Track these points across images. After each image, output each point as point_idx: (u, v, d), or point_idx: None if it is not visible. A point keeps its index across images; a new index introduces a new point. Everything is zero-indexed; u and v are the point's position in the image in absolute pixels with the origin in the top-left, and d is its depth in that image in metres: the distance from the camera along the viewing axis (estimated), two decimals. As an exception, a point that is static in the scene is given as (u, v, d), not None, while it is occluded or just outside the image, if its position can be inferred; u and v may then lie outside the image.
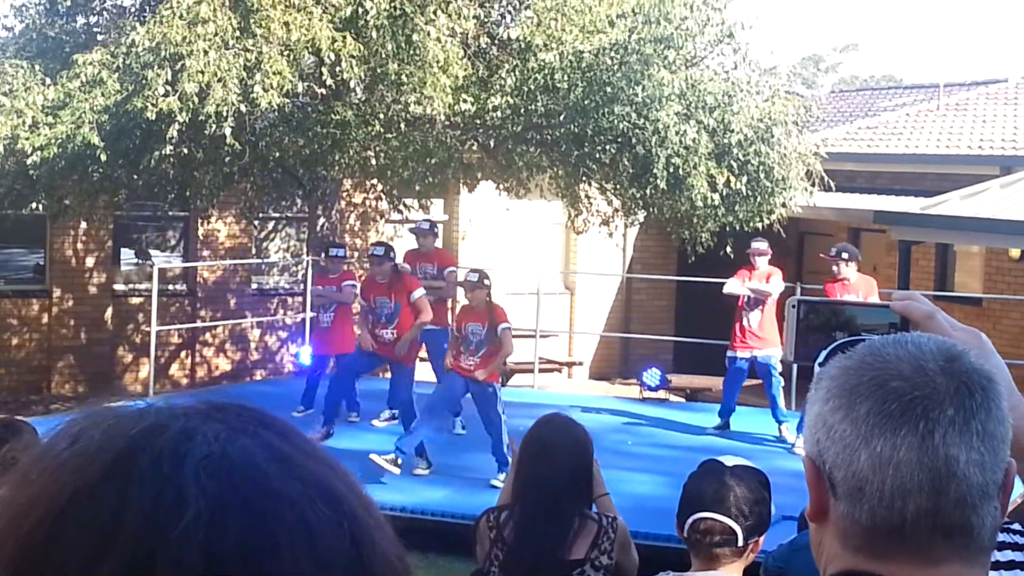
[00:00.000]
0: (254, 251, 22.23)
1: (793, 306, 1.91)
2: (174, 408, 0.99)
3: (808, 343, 1.88)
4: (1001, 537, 1.85)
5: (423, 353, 14.83)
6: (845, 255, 13.80)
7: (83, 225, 20.21)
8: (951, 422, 1.48)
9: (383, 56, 15.08)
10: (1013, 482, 1.55)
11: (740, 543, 4.04)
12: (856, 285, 13.59)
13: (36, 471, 0.95)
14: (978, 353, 1.60)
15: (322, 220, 18.45)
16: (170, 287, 21.29)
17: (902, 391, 1.50)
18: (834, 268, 13.78)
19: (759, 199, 16.85)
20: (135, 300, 21.23)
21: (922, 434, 1.48)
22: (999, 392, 1.53)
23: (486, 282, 12.33)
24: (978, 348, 1.71)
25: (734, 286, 14.48)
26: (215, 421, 0.97)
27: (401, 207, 20.45)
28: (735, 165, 16.40)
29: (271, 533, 0.91)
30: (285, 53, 14.76)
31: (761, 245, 14.62)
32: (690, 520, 4.09)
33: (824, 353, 1.68)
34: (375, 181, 19.65)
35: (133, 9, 17.80)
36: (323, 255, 15.79)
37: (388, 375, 14.81)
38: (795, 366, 14.76)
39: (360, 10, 14.85)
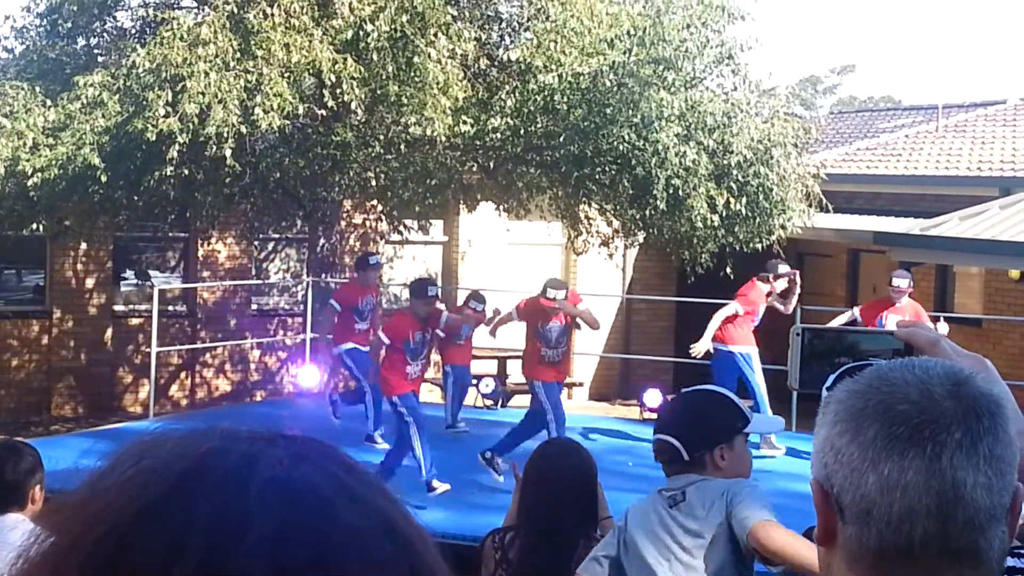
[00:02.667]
0: (254, 272, 22.25)
1: (797, 334, 1.92)
2: (239, 432, 1.00)
3: (812, 370, 1.89)
4: (1010, 562, 1.85)
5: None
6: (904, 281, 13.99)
7: (83, 246, 20.23)
8: (958, 445, 1.48)
9: (383, 78, 15.11)
10: (1021, 506, 1.55)
11: (686, 456, 4.31)
12: (905, 308, 13.74)
13: (101, 487, 0.96)
14: (985, 377, 1.60)
15: (322, 241, 18.46)
16: (170, 308, 21.30)
17: (909, 414, 1.50)
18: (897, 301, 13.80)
19: (759, 220, 16.86)
20: (135, 321, 21.23)
21: (929, 457, 1.48)
22: (1006, 417, 1.54)
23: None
24: (983, 375, 1.70)
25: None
26: (279, 447, 0.98)
27: (401, 228, 20.47)
28: (735, 186, 16.41)
29: (336, 560, 0.92)
30: (286, 75, 14.80)
31: (903, 282, 14.03)
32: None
33: (832, 377, 1.69)
34: (375, 202, 19.69)
35: (134, 31, 17.83)
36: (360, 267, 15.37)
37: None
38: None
39: (361, 32, 14.88)
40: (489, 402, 18.37)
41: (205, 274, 21.54)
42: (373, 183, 17.59)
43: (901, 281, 14.02)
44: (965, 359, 1.78)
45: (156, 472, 0.95)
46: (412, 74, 15.12)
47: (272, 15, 14.82)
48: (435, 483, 12.19)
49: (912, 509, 1.49)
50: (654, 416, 17.26)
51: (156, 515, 0.91)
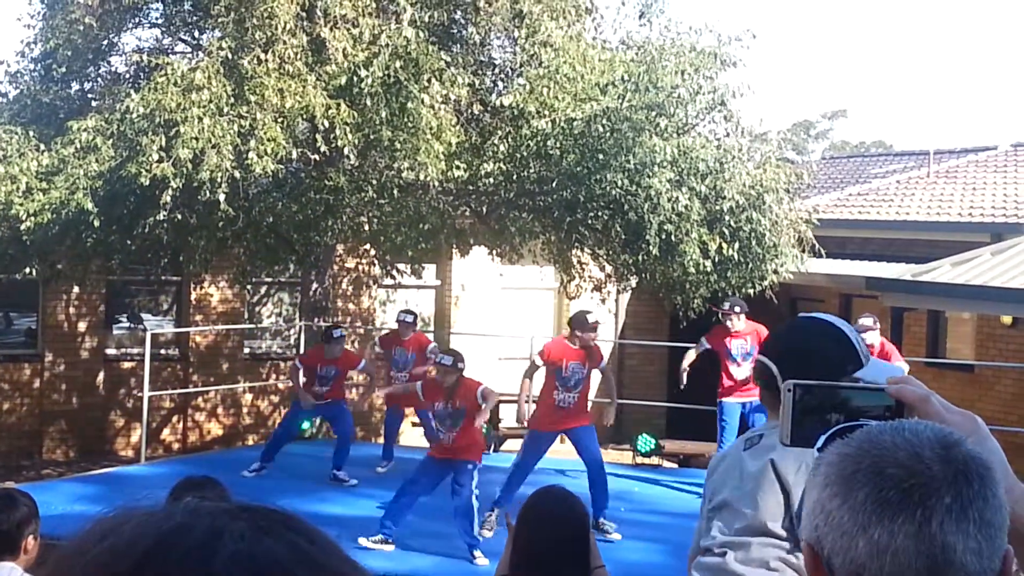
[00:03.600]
0: (247, 316, 22.24)
1: (789, 389, 1.91)
2: (201, 508, 1.01)
3: (804, 425, 1.88)
4: None
5: None
6: (737, 308, 14.30)
7: (76, 289, 20.23)
8: (948, 510, 1.49)
9: (377, 123, 15.16)
10: (1012, 569, 1.55)
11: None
12: (745, 331, 14.17)
13: (67, 566, 0.97)
14: (975, 440, 1.62)
15: (315, 285, 18.47)
16: (163, 352, 21.27)
17: (899, 478, 1.50)
18: (728, 322, 14.20)
19: (751, 265, 16.88)
20: (127, 364, 21.21)
21: (919, 522, 1.48)
22: (996, 480, 1.54)
23: (460, 365, 11.98)
24: (973, 431, 1.73)
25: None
26: (241, 521, 0.99)
27: (394, 272, 20.49)
28: (727, 231, 16.43)
29: None
30: (279, 120, 14.86)
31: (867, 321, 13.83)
32: None
33: (823, 438, 1.68)
34: (368, 246, 19.71)
35: (128, 76, 17.90)
36: (325, 336, 15.46)
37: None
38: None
39: (354, 78, 14.94)
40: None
41: (198, 318, 21.53)
42: (366, 227, 17.62)
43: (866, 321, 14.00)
44: (956, 415, 1.79)
45: (120, 551, 0.96)
46: (405, 119, 15.17)
47: (266, 61, 14.88)
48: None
49: (902, 573, 1.49)
50: (646, 461, 17.30)
51: None
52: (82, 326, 20.90)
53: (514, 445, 18.58)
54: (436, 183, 15.78)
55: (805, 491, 1.63)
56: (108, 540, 0.97)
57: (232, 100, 14.82)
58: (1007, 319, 18.59)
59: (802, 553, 1.60)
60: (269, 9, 14.74)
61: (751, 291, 17.18)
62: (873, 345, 13.60)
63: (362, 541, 11.89)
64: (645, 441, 18.06)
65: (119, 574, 0.94)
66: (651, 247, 16.00)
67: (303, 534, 1.02)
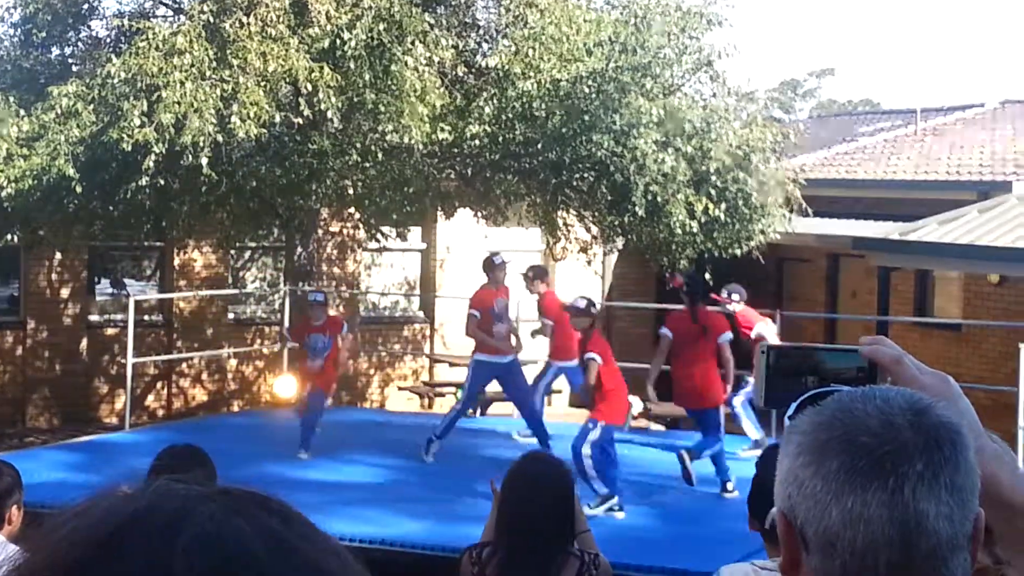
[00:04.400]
0: (231, 281, 22.15)
1: (763, 351, 1.92)
2: (173, 489, 1.02)
3: (778, 388, 1.89)
4: None
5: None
6: (736, 296, 14.39)
7: (58, 256, 20.12)
8: (920, 477, 1.50)
9: (360, 86, 15.07)
10: (982, 532, 1.57)
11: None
12: (745, 314, 14.29)
13: (41, 542, 0.99)
14: (946, 404, 1.62)
15: (299, 249, 18.38)
16: (146, 318, 21.16)
17: (871, 447, 1.52)
18: (728, 307, 14.22)
19: (738, 226, 16.85)
20: (111, 331, 21.12)
21: (892, 489, 1.50)
22: (967, 445, 1.56)
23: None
24: (946, 392, 1.75)
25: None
26: (212, 502, 1.00)
27: (379, 235, 20.41)
28: (713, 192, 16.39)
29: None
30: (262, 83, 14.75)
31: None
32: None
33: (794, 406, 1.68)
34: (352, 210, 19.61)
35: (108, 40, 17.76)
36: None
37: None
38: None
39: (338, 41, 14.84)
40: (468, 410, 18.26)
41: (181, 283, 21.44)
42: (350, 191, 17.52)
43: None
44: (928, 376, 1.80)
45: (85, 532, 0.97)
46: (389, 82, 15.08)
47: (248, 24, 14.76)
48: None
49: (875, 541, 1.51)
50: (634, 424, 17.27)
51: (82, 573, 0.95)
52: (65, 293, 20.79)
53: (504, 408, 18.57)
54: (421, 146, 15.69)
55: (778, 460, 1.60)
56: (76, 520, 0.99)
57: (214, 64, 14.72)
58: (994, 278, 18.59)
59: (776, 521, 1.61)
60: (251, -29, 14.63)
61: (738, 251, 17.15)
62: (736, 312, 14.09)
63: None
64: (633, 403, 18.00)
65: (82, 556, 0.95)
66: (637, 208, 15.95)
67: (278, 515, 1.02)
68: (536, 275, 14.83)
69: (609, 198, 16.87)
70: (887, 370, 1.81)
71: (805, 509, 1.54)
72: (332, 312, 15.79)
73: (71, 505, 1.02)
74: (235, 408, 21.26)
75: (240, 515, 0.99)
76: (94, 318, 21.25)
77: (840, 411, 1.56)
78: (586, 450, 11.88)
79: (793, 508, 1.56)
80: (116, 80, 14.58)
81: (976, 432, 1.67)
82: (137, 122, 14.18)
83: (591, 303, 12.47)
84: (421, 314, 23.44)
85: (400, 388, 22.65)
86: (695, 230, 16.34)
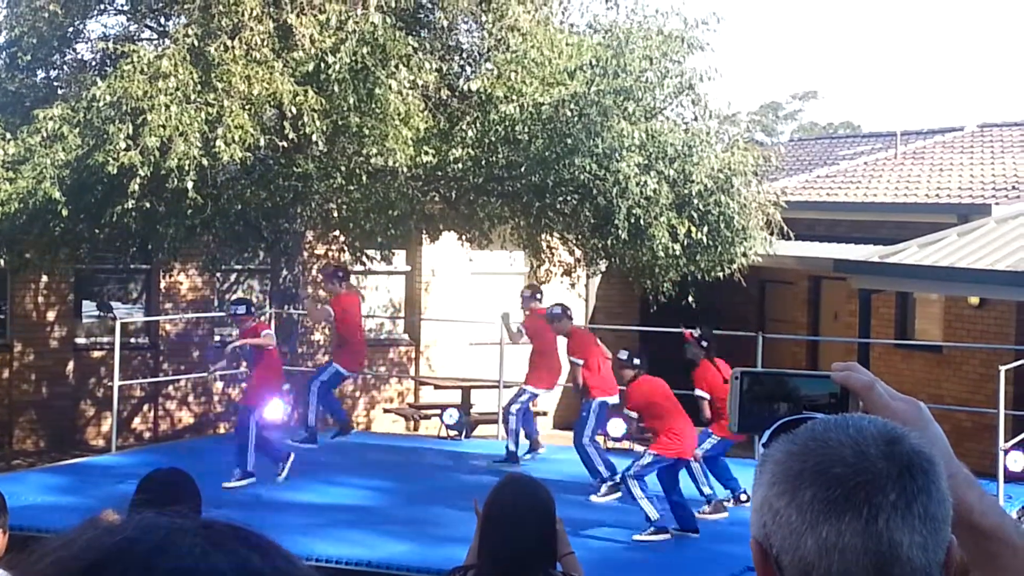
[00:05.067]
0: (217, 303, 22.17)
1: (736, 377, 1.92)
2: (156, 522, 1.02)
3: (752, 414, 1.89)
4: None
5: None
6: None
7: (44, 278, 20.13)
8: (893, 507, 1.51)
9: (345, 109, 15.15)
10: (956, 559, 1.58)
11: None
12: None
13: (26, 571, 0.99)
14: (918, 433, 1.63)
15: (284, 272, 18.42)
16: (132, 340, 21.19)
17: (845, 477, 1.52)
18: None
19: (720, 249, 16.94)
20: (97, 353, 21.13)
21: (866, 519, 1.50)
22: (939, 473, 1.57)
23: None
24: (917, 418, 1.75)
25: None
26: (194, 536, 1.00)
27: (364, 258, 20.47)
28: (696, 215, 16.49)
29: None
30: (247, 107, 14.81)
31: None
32: None
33: (767, 434, 1.69)
34: (337, 233, 19.67)
35: (94, 63, 17.81)
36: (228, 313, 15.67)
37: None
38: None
39: (322, 64, 14.92)
40: (454, 432, 18.34)
41: (167, 306, 21.47)
42: (335, 214, 17.60)
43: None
44: (899, 402, 1.80)
45: (64, 565, 0.98)
46: (373, 105, 15.16)
47: (233, 47, 14.83)
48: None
49: (850, 571, 1.51)
50: (618, 446, 17.34)
51: None
52: (51, 315, 20.81)
53: (488, 431, 18.64)
54: (405, 169, 15.77)
55: (752, 488, 1.64)
56: (58, 553, 1.00)
57: (199, 87, 14.78)
58: (974, 300, 18.70)
59: (751, 549, 1.62)
60: (235, -4, 14.71)
61: (721, 274, 17.25)
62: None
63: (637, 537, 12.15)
64: (616, 426, 18.06)
65: None
66: (620, 231, 16.03)
67: (258, 551, 1.02)
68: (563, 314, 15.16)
69: (592, 221, 16.96)
70: (859, 396, 1.81)
71: (780, 538, 1.55)
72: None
73: (58, 534, 1.03)
74: (221, 430, 21.25)
75: (220, 550, 1.00)
76: (80, 341, 21.26)
77: (813, 440, 1.57)
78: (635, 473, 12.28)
79: (768, 536, 1.57)
80: (101, 103, 14.61)
81: (948, 458, 1.68)
82: (123, 145, 14.22)
83: (565, 307, 13.74)
84: (406, 336, 23.49)
85: (386, 410, 22.71)
86: (678, 253, 16.42)
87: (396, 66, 15.14)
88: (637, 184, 15.75)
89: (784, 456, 1.58)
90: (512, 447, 15.44)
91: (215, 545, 1.00)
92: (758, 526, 1.59)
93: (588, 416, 14.25)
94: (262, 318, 14.25)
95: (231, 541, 1.01)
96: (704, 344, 13.18)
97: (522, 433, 15.60)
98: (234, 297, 16.62)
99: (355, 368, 16.14)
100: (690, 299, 17.26)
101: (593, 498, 13.87)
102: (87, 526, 1.03)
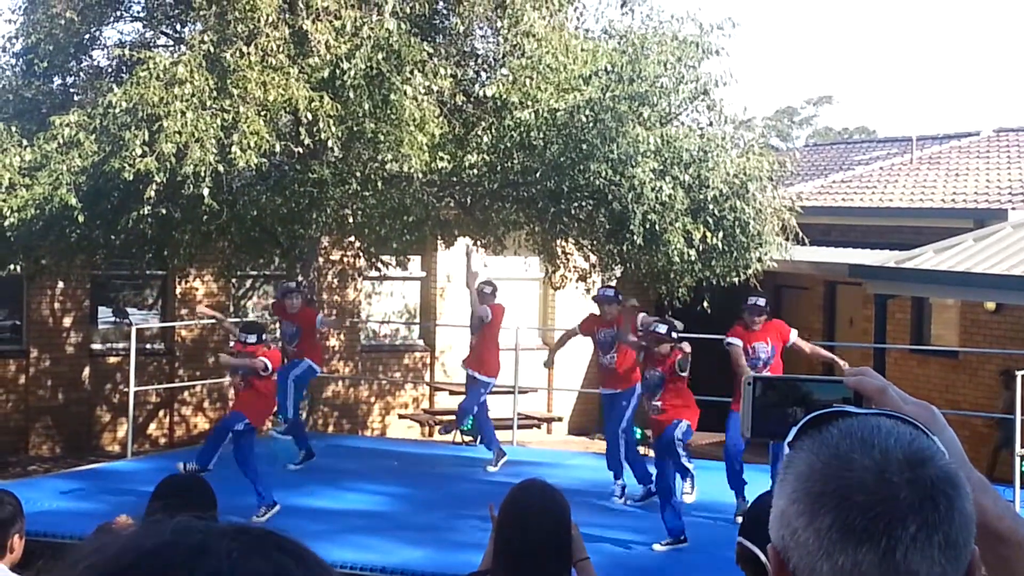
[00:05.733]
0: (232, 309, 22.21)
1: (749, 383, 1.93)
2: (192, 525, 1.03)
3: (765, 419, 1.90)
4: None
5: None
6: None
7: (60, 285, 20.19)
8: (913, 539, 1.50)
9: (360, 115, 15.16)
10: (977, 573, 1.56)
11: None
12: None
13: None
14: (944, 452, 1.60)
15: (300, 278, 18.44)
16: (148, 346, 21.25)
17: (865, 506, 1.51)
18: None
19: (735, 254, 16.91)
20: (113, 359, 21.18)
21: (884, 551, 1.49)
22: (964, 495, 1.55)
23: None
24: (930, 422, 1.72)
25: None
26: (230, 540, 1.00)
27: (379, 264, 20.49)
28: (711, 220, 16.46)
29: None
30: (262, 113, 14.84)
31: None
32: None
33: (794, 431, 1.66)
34: (353, 238, 19.69)
35: (110, 70, 17.85)
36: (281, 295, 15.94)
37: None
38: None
39: (337, 70, 14.94)
40: (468, 438, 18.37)
41: (183, 312, 21.51)
42: (350, 220, 17.61)
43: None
44: (912, 406, 1.78)
45: (102, 568, 0.98)
46: (388, 111, 15.18)
47: (249, 54, 14.87)
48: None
49: None
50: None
51: None
52: (67, 321, 20.87)
53: (504, 436, 18.64)
54: (420, 175, 15.78)
55: (774, 492, 1.63)
56: (92, 558, 0.99)
57: (215, 94, 14.80)
58: (990, 305, 18.66)
59: (768, 553, 1.61)
60: (251, 2, 14.72)
61: (736, 280, 17.23)
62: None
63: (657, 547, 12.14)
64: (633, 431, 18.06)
65: None
66: (635, 237, 16.02)
67: (293, 555, 1.02)
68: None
69: (607, 226, 16.94)
70: (872, 400, 1.80)
71: (798, 557, 1.54)
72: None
73: (82, 541, 1.03)
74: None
75: (257, 554, 1.00)
76: (96, 346, 21.31)
77: (837, 459, 1.55)
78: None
79: (786, 549, 1.56)
80: (117, 110, 14.64)
81: (961, 461, 1.66)
82: (139, 152, 14.25)
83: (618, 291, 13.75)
84: (421, 342, 23.51)
85: (401, 416, 22.72)
86: (693, 258, 16.40)
87: (411, 72, 15.16)
88: (652, 189, 15.74)
89: (807, 471, 1.57)
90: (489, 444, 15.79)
91: (252, 550, 1.00)
92: (776, 535, 1.59)
93: (629, 405, 14.16)
94: (271, 346, 14.10)
95: (267, 546, 1.02)
96: (674, 335, 12.97)
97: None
98: (245, 321, 16.56)
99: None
100: (705, 304, 17.24)
101: (617, 500, 14.03)
102: (101, 533, 1.02)
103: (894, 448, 1.55)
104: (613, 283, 15.46)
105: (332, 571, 1.06)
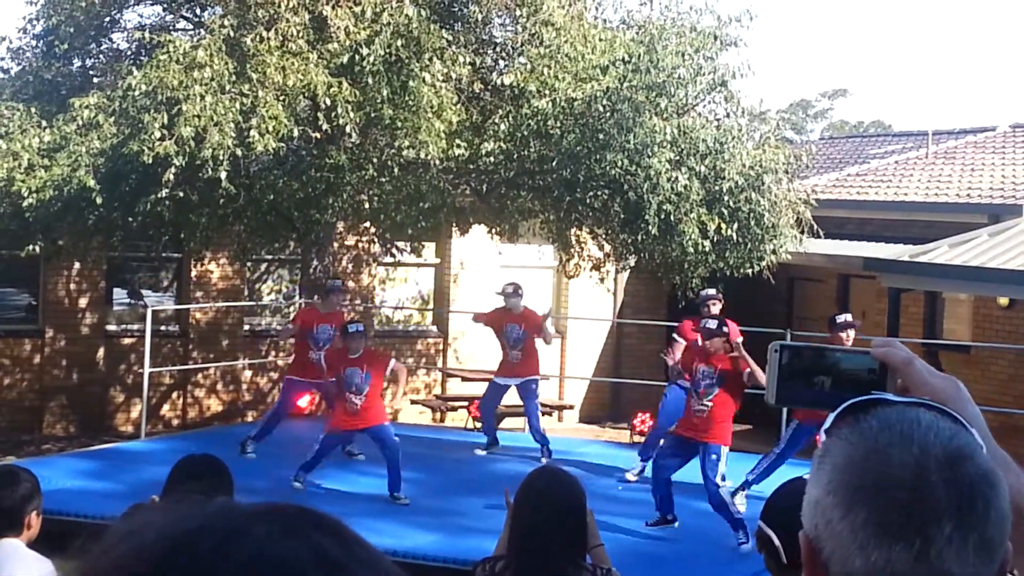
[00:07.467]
0: (247, 293, 22.29)
1: (776, 350, 1.92)
2: (228, 508, 1.02)
3: (790, 387, 1.89)
4: None
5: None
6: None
7: (76, 266, 20.27)
8: (948, 540, 1.48)
9: (378, 101, 15.22)
10: (1009, 566, 1.56)
11: (784, 559, 3.62)
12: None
13: (92, 564, 0.99)
14: (956, 405, 1.63)
15: (315, 263, 18.52)
16: (163, 328, 21.33)
17: (901, 503, 1.50)
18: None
19: (749, 246, 16.95)
20: (127, 341, 21.27)
21: (918, 551, 1.48)
22: (1001, 493, 1.54)
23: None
24: (955, 396, 1.73)
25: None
26: (267, 522, 0.99)
27: (394, 250, 20.54)
28: (726, 212, 16.50)
29: None
30: (281, 98, 14.90)
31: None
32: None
33: (832, 418, 1.65)
34: (368, 224, 19.75)
35: (130, 53, 17.93)
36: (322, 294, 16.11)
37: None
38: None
39: (356, 56, 14.99)
40: (479, 424, 18.41)
41: (198, 294, 21.59)
42: (366, 205, 17.67)
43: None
44: (937, 379, 1.77)
45: (140, 552, 0.97)
46: (406, 98, 15.23)
47: (268, 39, 14.92)
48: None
49: None
50: (644, 439, 17.38)
51: None
52: (83, 302, 20.96)
53: (515, 423, 18.68)
54: (436, 161, 15.84)
55: (809, 478, 1.62)
56: (130, 540, 0.98)
57: (234, 78, 14.86)
58: (1004, 300, 18.66)
59: (800, 540, 1.60)
60: (271, -13, 14.79)
61: (750, 271, 17.27)
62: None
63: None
64: (642, 419, 18.14)
65: (137, 573, 0.95)
66: (650, 227, 16.06)
67: (334, 536, 1.01)
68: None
69: (622, 216, 16.98)
70: (898, 372, 1.79)
71: (831, 548, 1.53)
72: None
73: (124, 520, 1.02)
74: (249, 419, 21.35)
75: (295, 535, 0.98)
76: (111, 328, 21.39)
77: (876, 452, 1.53)
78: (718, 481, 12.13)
79: (819, 539, 1.55)
80: (137, 93, 14.70)
81: (985, 436, 1.63)
82: (157, 135, 14.30)
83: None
84: (435, 328, 23.57)
85: (413, 402, 22.77)
86: (707, 249, 16.45)
87: (430, 59, 15.21)
88: (668, 180, 15.78)
89: (845, 463, 1.55)
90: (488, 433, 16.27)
91: (289, 530, 0.98)
92: (810, 524, 1.58)
93: (672, 400, 14.23)
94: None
95: (306, 526, 1.00)
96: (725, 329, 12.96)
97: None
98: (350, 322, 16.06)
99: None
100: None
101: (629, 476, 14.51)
102: (153, 513, 1.02)
103: (933, 444, 1.53)
104: (716, 307, 14.12)
105: (372, 549, 1.04)
